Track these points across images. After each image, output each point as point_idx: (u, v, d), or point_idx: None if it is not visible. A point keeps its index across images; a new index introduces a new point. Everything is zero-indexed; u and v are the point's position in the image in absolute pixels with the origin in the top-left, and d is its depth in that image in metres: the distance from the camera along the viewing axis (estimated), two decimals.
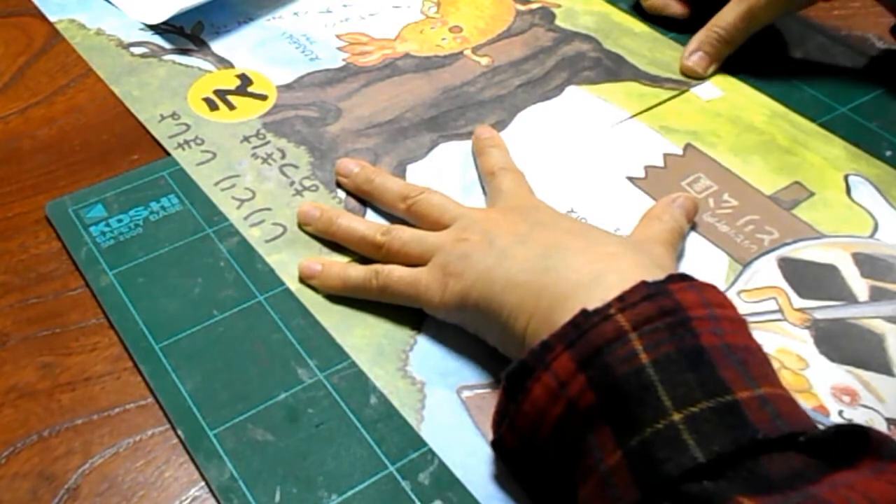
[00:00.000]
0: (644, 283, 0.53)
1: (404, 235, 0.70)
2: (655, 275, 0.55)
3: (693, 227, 0.74)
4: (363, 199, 0.77)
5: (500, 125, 0.85)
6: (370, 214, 0.75)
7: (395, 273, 0.68)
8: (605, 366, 0.50)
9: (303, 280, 0.70)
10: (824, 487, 0.45)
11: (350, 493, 0.58)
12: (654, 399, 0.48)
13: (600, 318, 0.52)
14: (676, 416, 0.48)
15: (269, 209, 0.76)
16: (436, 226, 0.70)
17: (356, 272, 0.69)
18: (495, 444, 0.58)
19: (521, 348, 0.57)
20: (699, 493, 0.46)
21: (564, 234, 0.64)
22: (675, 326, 0.51)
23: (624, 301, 0.52)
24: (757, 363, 0.51)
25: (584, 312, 0.52)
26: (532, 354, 0.53)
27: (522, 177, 0.76)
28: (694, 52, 0.91)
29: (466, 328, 0.66)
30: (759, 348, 0.53)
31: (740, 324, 0.54)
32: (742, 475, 0.46)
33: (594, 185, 0.78)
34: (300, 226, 0.74)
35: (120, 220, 0.74)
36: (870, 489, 0.44)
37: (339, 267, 0.70)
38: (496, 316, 0.61)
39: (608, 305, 0.52)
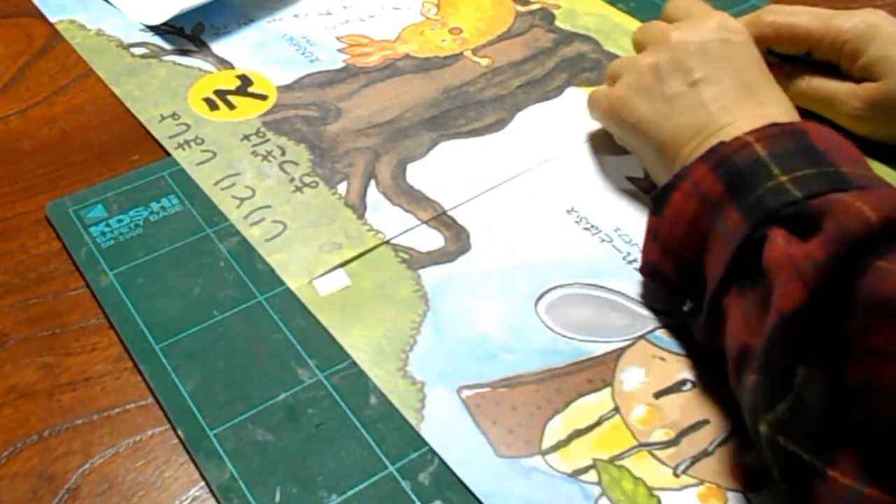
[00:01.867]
0: (773, 122, 0.62)
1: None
2: None
3: None
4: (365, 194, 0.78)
5: (500, 125, 0.85)
6: (370, 213, 0.75)
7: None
8: (731, 163, 0.60)
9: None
10: None
11: (350, 493, 0.58)
12: (766, 171, 0.58)
13: (732, 140, 0.62)
14: (783, 178, 0.57)
15: (269, 206, 0.76)
16: None
17: None
18: (642, 269, 0.69)
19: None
20: (795, 211, 0.55)
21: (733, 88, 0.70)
22: (795, 136, 0.60)
23: (753, 131, 0.62)
24: (870, 171, 0.60)
25: (720, 142, 0.62)
26: (675, 176, 0.63)
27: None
28: None
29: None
30: (878, 175, 0.60)
31: (859, 155, 0.61)
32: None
33: (594, 185, 0.78)
34: None
35: (120, 221, 0.74)
36: None
37: None
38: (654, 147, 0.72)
39: (741, 134, 0.62)
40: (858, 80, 0.79)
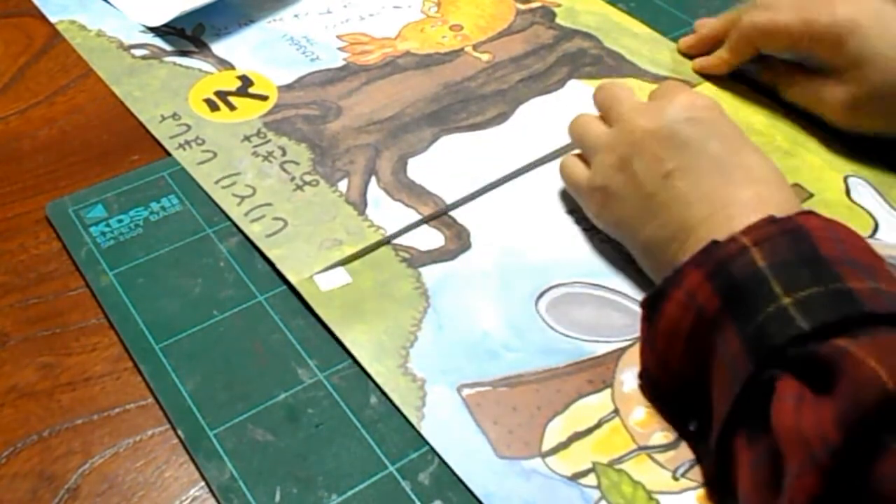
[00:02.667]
0: (770, 216, 0.58)
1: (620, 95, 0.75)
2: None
3: None
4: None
5: (501, 118, 0.85)
6: (370, 209, 0.75)
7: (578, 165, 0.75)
8: (728, 273, 0.55)
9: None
10: None
11: (350, 493, 0.58)
12: (767, 290, 0.53)
13: (727, 240, 0.57)
14: (786, 300, 0.52)
15: (269, 204, 0.76)
16: None
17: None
18: (642, 376, 0.64)
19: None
20: (802, 353, 0.50)
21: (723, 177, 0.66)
22: (795, 239, 0.55)
23: (748, 229, 0.57)
24: (882, 272, 0.55)
25: (713, 241, 0.57)
26: (666, 280, 0.59)
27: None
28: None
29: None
30: (888, 271, 0.55)
31: (867, 251, 0.57)
32: (848, 336, 0.50)
33: None
34: None
35: (120, 221, 0.74)
36: None
37: None
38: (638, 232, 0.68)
39: (735, 233, 0.57)
40: (842, 75, 0.79)
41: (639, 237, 0.68)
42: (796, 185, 0.78)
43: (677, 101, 0.68)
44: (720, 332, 0.55)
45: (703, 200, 0.63)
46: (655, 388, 0.63)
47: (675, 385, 0.61)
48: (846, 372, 0.47)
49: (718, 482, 0.57)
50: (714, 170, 0.64)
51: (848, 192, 0.78)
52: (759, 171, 0.65)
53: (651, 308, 0.59)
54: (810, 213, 0.58)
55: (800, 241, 0.55)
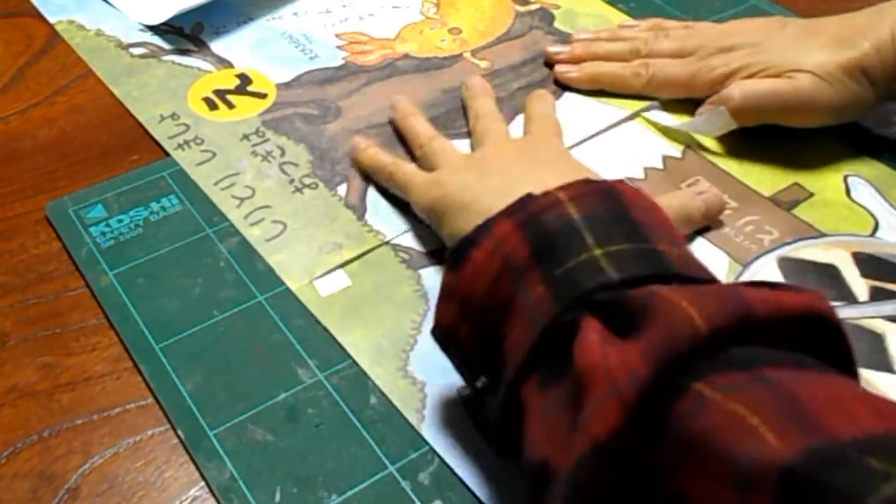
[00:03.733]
0: (585, 178, 0.57)
1: (440, 145, 0.77)
2: None
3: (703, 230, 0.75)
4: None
5: None
6: (370, 214, 0.76)
7: (404, 167, 0.77)
8: (540, 223, 0.54)
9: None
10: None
11: (350, 493, 0.58)
12: (579, 240, 0.52)
13: (542, 194, 0.56)
14: (598, 251, 0.51)
15: (268, 206, 0.76)
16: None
17: (384, 158, 0.79)
18: (433, 331, 0.59)
19: None
20: (611, 297, 0.49)
21: (547, 171, 0.69)
22: (609, 198, 0.55)
23: (565, 186, 0.56)
24: (684, 245, 0.55)
25: (528, 194, 0.56)
26: (476, 229, 0.56)
27: (557, 124, 0.82)
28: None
29: (435, 230, 0.72)
30: (689, 248, 0.56)
31: (671, 224, 0.57)
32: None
33: None
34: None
35: (120, 221, 0.74)
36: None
37: (377, 150, 0.80)
38: (452, 226, 0.68)
39: (551, 189, 0.56)
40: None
41: (461, 198, 0.69)
42: (796, 184, 0.78)
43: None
44: (525, 279, 0.53)
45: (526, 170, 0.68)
46: (446, 341, 0.58)
47: (466, 337, 0.57)
48: (658, 311, 0.46)
49: (498, 434, 0.56)
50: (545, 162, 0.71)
51: (848, 192, 0.78)
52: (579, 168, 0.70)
53: (456, 256, 0.56)
54: (622, 181, 0.58)
55: (613, 200, 0.55)
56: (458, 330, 0.57)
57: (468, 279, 0.55)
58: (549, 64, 0.92)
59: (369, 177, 0.79)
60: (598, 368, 0.46)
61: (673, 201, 0.71)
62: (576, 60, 0.90)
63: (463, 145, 0.82)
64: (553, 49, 0.92)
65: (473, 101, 0.84)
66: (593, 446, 0.44)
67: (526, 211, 0.55)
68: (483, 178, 0.69)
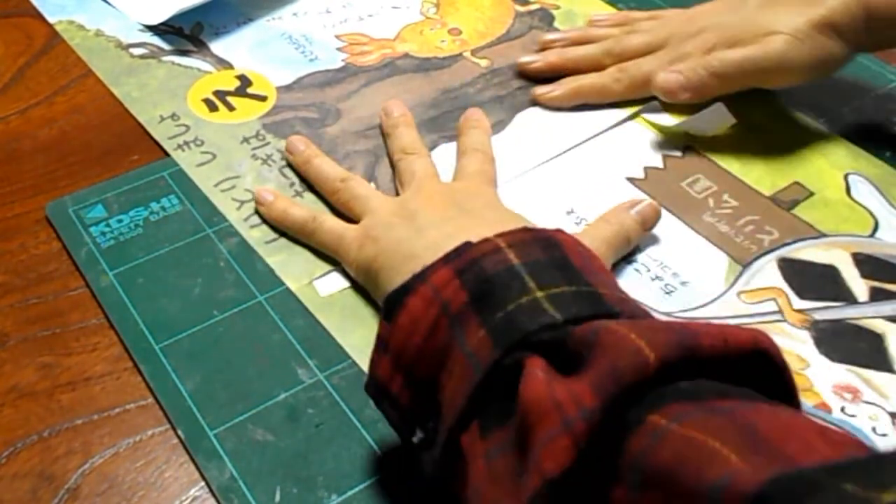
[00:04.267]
0: (524, 227, 0.57)
1: (358, 190, 0.75)
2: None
3: (691, 226, 0.74)
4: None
5: (500, 125, 0.85)
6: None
7: (328, 223, 0.73)
8: (480, 269, 0.53)
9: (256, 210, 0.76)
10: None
11: (350, 493, 0.58)
12: (519, 283, 0.51)
13: (481, 241, 0.55)
14: (539, 294, 0.50)
15: None
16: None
17: (298, 212, 0.74)
18: (367, 386, 0.57)
19: None
20: (554, 336, 0.48)
21: (484, 223, 0.65)
22: (548, 246, 0.54)
23: (504, 234, 0.55)
24: (624, 293, 0.55)
25: (466, 242, 0.55)
26: (413, 277, 0.54)
27: (490, 162, 0.79)
28: (672, 70, 0.83)
29: (371, 293, 0.69)
30: (630, 297, 0.55)
31: (609, 273, 0.58)
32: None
33: (594, 186, 0.78)
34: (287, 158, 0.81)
35: (120, 221, 0.74)
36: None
37: (287, 202, 0.76)
38: (390, 284, 0.62)
39: (488, 237, 0.55)
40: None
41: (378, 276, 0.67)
42: (796, 183, 0.78)
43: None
44: (462, 326, 0.51)
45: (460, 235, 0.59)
46: (381, 396, 0.56)
47: (402, 391, 0.55)
48: (605, 344, 0.45)
49: (438, 484, 0.54)
50: (491, 222, 0.65)
51: (848, 191, 0.78)
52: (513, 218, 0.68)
53: (391, 305, 0.54)
54: (560, 230, 0.57)
55: (552, 248, 0.54)
56: (391, 382, 0.55)
57: (404, 329, 0.53)
58: (523, 74, 0.91)
59: (370, 177, 0.79)
60: (546, 403, 0.45)
61: (607, 230, 0.71)
62: (550, 68, 0.89)
63: None
64: (525, 59, 0.91)
65: (394, 132, 0.82)
66: (544, 485, 0.43)
67: (464, 258, 0.54)
68: (418, 233, 0.66)
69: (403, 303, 0.53)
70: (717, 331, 0.46)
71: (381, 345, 0.55)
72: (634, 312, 0.51)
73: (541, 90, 0.87)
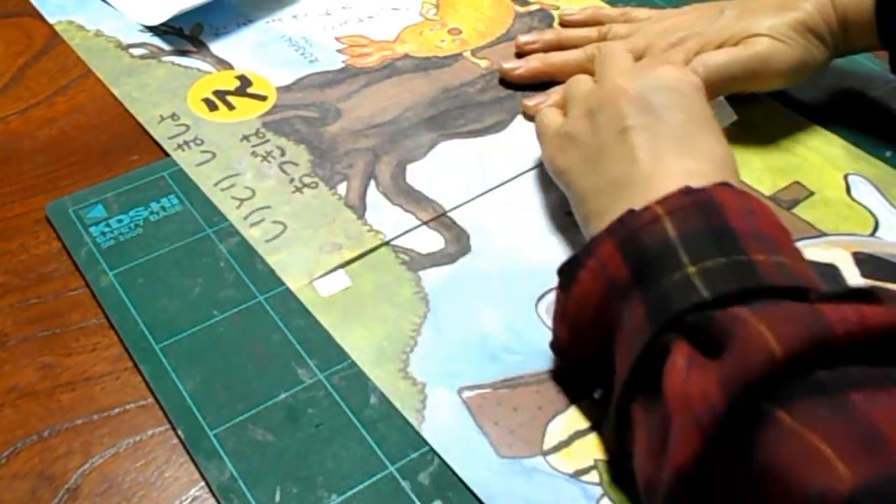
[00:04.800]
0: (686, 186, 0.58)
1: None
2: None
3: None
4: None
5: (500, 126, 0.85)
6: (370, 213, 0.76)
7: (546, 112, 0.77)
8: (639, 242, 0.56)
9: None
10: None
11: (350, 493, 0.58)
12: (674, 258, 0.54)
13: (643, 211, 0.57)
14: (691, 269, 0.53)
15: (268, 207, 0.76)
16: None
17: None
18: (552, 344, 0.64)
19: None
20: (699, 319, 0.51)
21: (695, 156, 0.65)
22: (707, 210, 0.56)
23: (664, 199, 0.57)
24: (787, 246, 0.56)
25: (630, 210, 0.58)
26: (582, 249, 0.59)
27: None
28: None
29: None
30: (793, 246, 0.57)
31: (776, 225, 0.58)
32: (745, 305, 0.50)
33: None
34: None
35: (120, 221, 0.74)
36: None
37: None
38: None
39: (651, 203, 0.58)
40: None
41: (580, 183, 0.68)
42: (796, 182, 0.78)
43: (660, 70, 0.70)
44: (627, 302, 0.55)
45: (646, 161, 0.63)
46: (564, 356, 0.64)
47: (582, 354, 0.62)
48: (737, 336, 0.48)
49: (617, 449, 0.59)
50: (669, 138, 0.65)
51: (848, 190, 0.78)
52: (713, 152, 0.65)
53: (566, 276, 0.60)
54: (726, 185, 0.59)
55: (710, 212, 0.56)
56: (571, 347, 0.62)
57: (578, 301, 0.59)
58: (505, 81, 0.90)
59: (370, 175, 0.79)
60: (680, 395, 0.48)
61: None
62: (533, 75, 0.89)
63: (463, 145, 0.82)
64: (508, 65, 0.90)
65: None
66: (677, 474, 0.47)
67: (626, 230, 0.57)
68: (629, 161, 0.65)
69: (575, 276, 0.59)
70: (854, 314, 0.47)
71: (560, 312, 0.61)
72: (789, 279, 0.53)
73: (532, 101, 0.86)
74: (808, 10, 0.80)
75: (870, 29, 0.79)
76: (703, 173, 0.61)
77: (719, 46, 0.81)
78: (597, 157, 0.67)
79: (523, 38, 0.93)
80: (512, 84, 0.90)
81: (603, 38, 0.90)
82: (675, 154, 0.63)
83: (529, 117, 0.84)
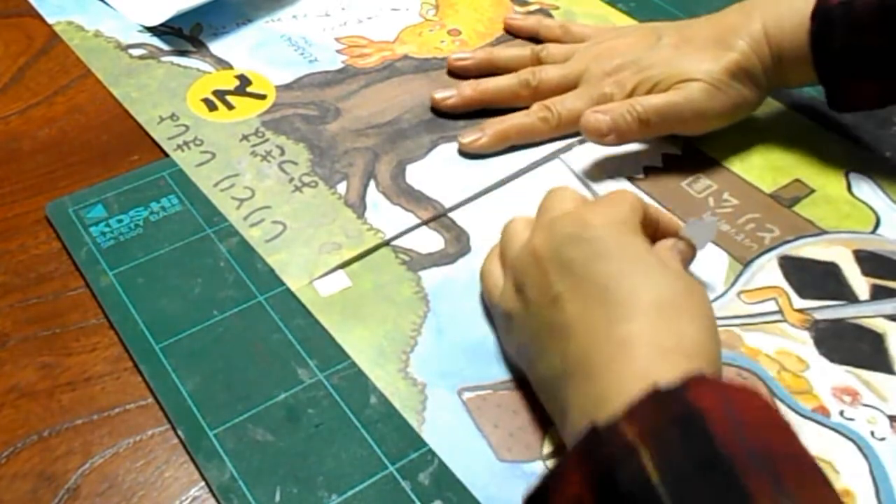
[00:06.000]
0: (654, 390, 0.48)
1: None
2: (675, 364, 0.52)
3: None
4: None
5: None
6: (370, 212, 0.75)
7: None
8: (614, 483, 0.45)
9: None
10: None
11: (350, 493, 0.58)
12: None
13: (610, 433, 0.47)
14: None
15: (268, 207, 0.76)
16: None
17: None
18: None
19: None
20: None
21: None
22: (688, 432, 0.46)
23: (633, 412, 0.47)
24: (785, 458, 0.46)
25: (594, 430, 0.47)
26: (547, 477, 0.48)
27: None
28: (600, 111, 0.79)
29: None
30: (801, 453, 0.47)
31: (774, 428, 0.48)
32: None
33: (594, 187, 0.78)
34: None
35: (120, 221, 0.74)
36: None
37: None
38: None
39: (618, 419, 0.47)
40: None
41: (534, 371, 0.61)
42: (797, 180, 0.79)
43: (567, 215, 0.62)
44: None
45: (587, 333, 0.56)
46: None
47: None
48: None
49: None
50: (598, 297, 0.56)
51: (849, 187, 0.78)
52: (647, 298, 0.56)
53: None
54: (701, 379, 0.48)
55: (693, 434, 0.45)
56: None
57: None
58: (436, 110, 0.87)
59: (370, 174, 0.79)
60: None
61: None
62: (466, 104, 0.86)
63: None
64: (439, 95, 0.86)
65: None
66: None
67: (595, 461, 0.46)
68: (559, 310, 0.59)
69: None
70: None
71: None
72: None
73: (466, 139, 0.82)
74: (744, 49, 0.78)
75: (805, 64, 0.77)
76: (643, 336, 0.54)
77: (655, 84, 0.80)
78: (540, 338, 0.59)
79: (454, 57, 0.91)
80: (442, 113, 0.87)
81: (537, 60, 0.89)
82: (608, 319, 0.56)
83: (466, 154, 0.82)
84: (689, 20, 0.86)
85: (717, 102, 0.79)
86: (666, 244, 0.64)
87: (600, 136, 0.79)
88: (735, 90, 0.79)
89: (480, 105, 0.86)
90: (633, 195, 0.63)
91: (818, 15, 0.76)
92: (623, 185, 0.78)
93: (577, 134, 0.82)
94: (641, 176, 0.79)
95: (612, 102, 0.80)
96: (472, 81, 0.87)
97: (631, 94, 0.81)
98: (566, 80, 0.85)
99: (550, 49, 0.89)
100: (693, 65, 0.79)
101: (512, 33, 0.97)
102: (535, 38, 0.95)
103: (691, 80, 0.79)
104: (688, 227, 0.65)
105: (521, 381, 0.64)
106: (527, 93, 0.85)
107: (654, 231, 0.65)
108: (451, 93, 0.86)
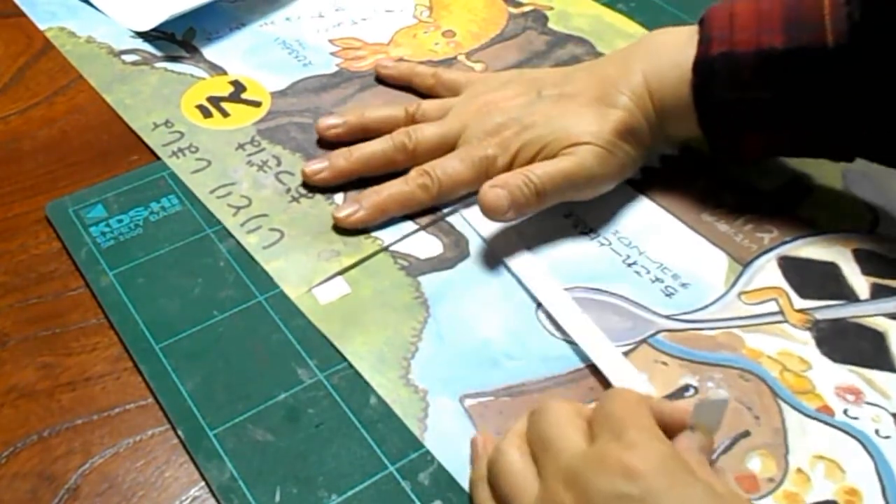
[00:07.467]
0: None
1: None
2: None
3: (693, 228, 0.75)
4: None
5: None
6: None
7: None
8: None
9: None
10: None
11: (350, 493, 0.58)
12: None
13: None
14: None
15: (265, 215, 0.76)
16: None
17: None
18: None
19: None
20: None
21: None
22: None
23: None
24: None
25: None
26: None
27: None
28: (498, 185, 0.72)
29: None
30: None
31: None
32: None
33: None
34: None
35: (120, 221, 0.74)
36: None
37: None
38: None
39: None
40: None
41: None
42: (795, 180, 0.79)
43: (600, 464, 0.50)
44: None
45: None
46: None
47: None
48: None
49: None
50: None
51: (847, 186, 0.78)
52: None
53: None
54: None
55: None
56: None
57: None
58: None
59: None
60: None
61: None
62: (339, 177, 0.79)
63: None
64: (311, 168, 0.79)
65: None
66: None
67: None
68: None
69: None
70: None
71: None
72: None
73: (342, 213, 0.75)
74: (629, 107, 0.75)
75: (688, 117, 0.74)
76: None
77: (542, 147, 0.75)
78: None
79: (325, 123, 0.83)
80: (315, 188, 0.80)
81: (412, 120, 0.83)
82: None
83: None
84: (567, 69, 0.82)
85: (608, 167, 0.74)
86: (687, 448, 0.54)
87: (502, 214, 0.72)
88: (623, 151, 0.75)
89: (353, 176, 0.79)
90: (635, 395, 0.56)
91: (699, 67, 0.73)
92: (621, 186, 0.77)
93: (463, 198, 0.78)
94: (640, 177, 0.79)
95: (505, 174, 0.74)
96: (343, 150, 0.80)
97: (515, 156, 0.76)
98: (445, 140, 0.79)
99: (424, 107, 0.83)
100: (580, 126, 0.75)
101: (383, 82, 0.91)
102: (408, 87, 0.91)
103: (581, 143, 0.74)
104: (696, 412, 0.56)
105: (523, 388, 0.64)
106: (403, 157, 0.79)
107: (659, 423, 0.54)
108: (323, 165, 0.79)
